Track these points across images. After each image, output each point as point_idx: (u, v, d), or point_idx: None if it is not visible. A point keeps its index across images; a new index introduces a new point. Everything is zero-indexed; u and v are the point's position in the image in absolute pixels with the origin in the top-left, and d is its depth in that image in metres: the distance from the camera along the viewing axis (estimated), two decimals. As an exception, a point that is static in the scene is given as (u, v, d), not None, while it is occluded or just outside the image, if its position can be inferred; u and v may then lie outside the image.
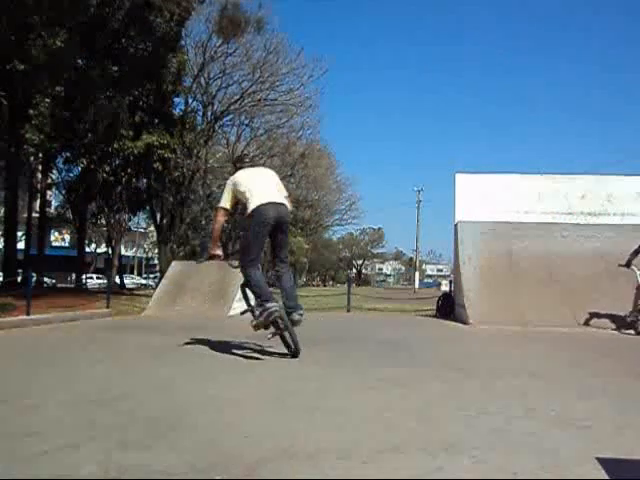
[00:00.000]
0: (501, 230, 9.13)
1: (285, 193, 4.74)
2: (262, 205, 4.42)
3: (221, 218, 4.80)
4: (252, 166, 5.62)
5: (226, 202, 4.72)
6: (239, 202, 4.69)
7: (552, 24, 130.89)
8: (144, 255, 56.28)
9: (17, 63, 13.20)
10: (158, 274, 27.33)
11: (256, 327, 4.43)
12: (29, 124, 14.25)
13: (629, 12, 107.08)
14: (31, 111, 14.30)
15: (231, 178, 4.89)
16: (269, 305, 4.28)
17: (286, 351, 4.45)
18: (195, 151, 21.27)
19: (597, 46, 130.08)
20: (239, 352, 4.66)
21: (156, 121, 18.79)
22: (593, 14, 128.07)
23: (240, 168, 5.26)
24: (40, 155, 19.22)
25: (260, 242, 4.50)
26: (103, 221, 28.57)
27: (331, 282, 75.21)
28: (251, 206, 4.46)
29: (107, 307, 10.75)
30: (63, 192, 24.29)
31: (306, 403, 2.88)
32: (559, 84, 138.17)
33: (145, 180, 21.41)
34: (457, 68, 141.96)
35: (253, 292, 4.56)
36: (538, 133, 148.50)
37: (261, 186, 4.60)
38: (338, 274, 79.40)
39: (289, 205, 4.64)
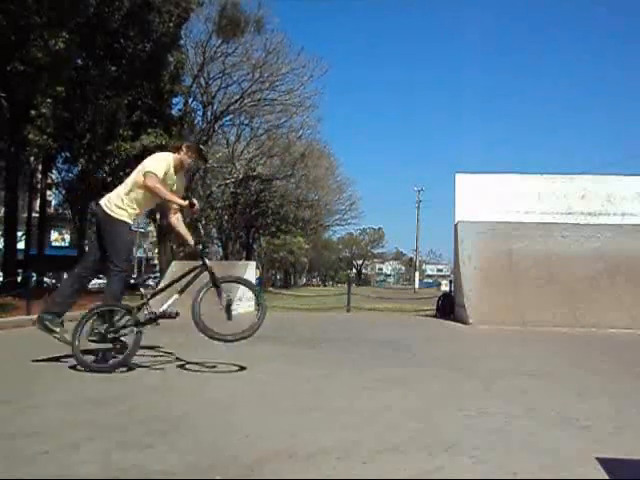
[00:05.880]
0: (501, 230, 9.14)
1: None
2: None
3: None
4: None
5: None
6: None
7: (552, 23, 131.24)
8: (144, 255, 56.28)
9: (18, 64, 13.19)
10: (158, 274, 27.30)
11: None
12: (31, 125, 14.24)
13: (629, 9, 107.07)
14: (33, 112, 14.28)
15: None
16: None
17: (285, 352, 4.45)
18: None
19: (597, 45, 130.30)
20: (238, 352, 4.66)
21: (155, 121, 18.78)
22: (595, 12, 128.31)
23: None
24: (40, 155, 19.21)
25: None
26: (103, 221, 28.47)
27: (331, 282, 75.21)
28: None
29: (107, 307, 10.71)
30: (63, 192, 24.28)
31: (306, 403, 2.88)
32: (559, 84, 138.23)
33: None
34: (457, 68, 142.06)
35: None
36: (538, 133, 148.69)
37: None
38: (338, 274, 79.40)
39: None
